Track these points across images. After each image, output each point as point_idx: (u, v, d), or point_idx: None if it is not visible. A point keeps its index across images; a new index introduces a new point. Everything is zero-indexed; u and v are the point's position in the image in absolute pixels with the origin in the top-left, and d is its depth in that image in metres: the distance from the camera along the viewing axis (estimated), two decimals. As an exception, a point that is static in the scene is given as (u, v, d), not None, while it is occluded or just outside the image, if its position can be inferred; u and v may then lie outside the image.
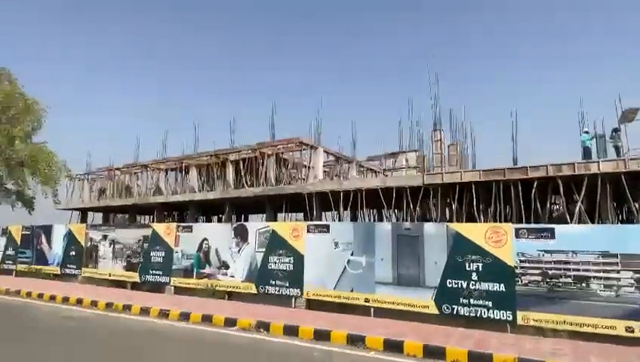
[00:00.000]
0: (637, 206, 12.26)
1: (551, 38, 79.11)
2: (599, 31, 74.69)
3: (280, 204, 18.50)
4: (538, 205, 12.61)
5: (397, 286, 8.64)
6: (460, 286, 7.95)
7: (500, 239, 7.79)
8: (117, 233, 13.93)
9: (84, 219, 26.83)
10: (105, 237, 14.13)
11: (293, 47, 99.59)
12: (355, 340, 6.86)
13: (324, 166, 19.90)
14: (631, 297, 6.72)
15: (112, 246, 13.81)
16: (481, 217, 13.53)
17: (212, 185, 21.05)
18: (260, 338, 7.35)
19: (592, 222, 12.29)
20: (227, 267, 11.15)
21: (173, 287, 11.98)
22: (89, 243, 14.51)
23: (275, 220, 18.83)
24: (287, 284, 10.00)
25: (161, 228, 12.97)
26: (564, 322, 7.02)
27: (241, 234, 11.12)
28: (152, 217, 25.82)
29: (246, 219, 26.14)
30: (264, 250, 10.56)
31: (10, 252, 17.17)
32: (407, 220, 15.78)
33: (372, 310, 8.80)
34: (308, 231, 10.07)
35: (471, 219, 13.57)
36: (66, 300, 10.81)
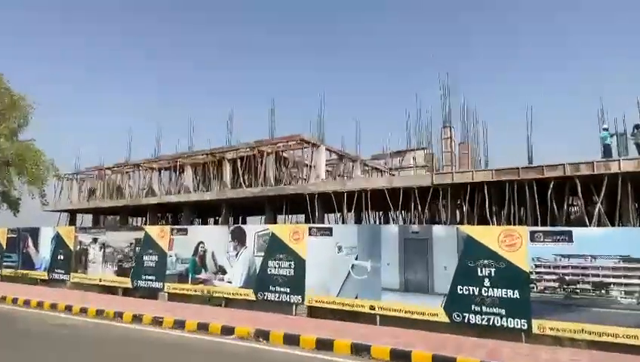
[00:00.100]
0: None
1: (551, 38, 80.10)
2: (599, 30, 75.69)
3: (280, 205, 18.49)
4: (555, 207, 12.55)
5: (404, 293, 8.63)
6: (471, 292, 7.93)
7: (514, 243, 7.76)
8: (108, 236, 13.97)
9: (72, 222, 26.91)
10: (95, 240, 14.18)
11: (293, 47, 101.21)
12: (359, 350, 6.85)
13: (326, 165, 19.87)
14: (654, 305, 6.69)
15: (102, 250, 13.85)
16: (494, 219, 13.47)
17: (208, 186, 21.08)
18: (258, 347, 7.35)
19: (613, 225, 12.24)
20: (224, 272, 11.17)
21: (167, 293, 12.00)
22: (78, 247, 14.57)
23: (275, 222, 18.83)
24: (288, 290, 10.01)
25: (154, 230, 13.00)
26: (583, 331, 6.99)
27: (239, 238, 11.13)
28: (144, 219, 25.89)
29: (244, 222, 26.18)
30: (263, 254, 10.57)
31: (-5, 256, 17.26)
32: (415, 223, 15.77)
33: (378, 318, 8.80)
34: (309, 234, 10.07)
35: (483, 221, 13.52)
36: (54, 307, 10.85)
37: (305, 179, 19.17)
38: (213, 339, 7.84)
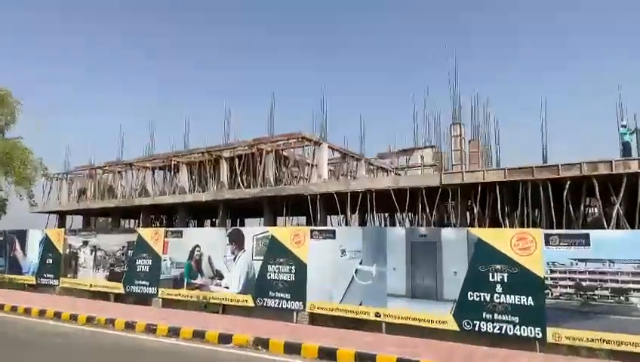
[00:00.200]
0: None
1: (551, 38, 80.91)
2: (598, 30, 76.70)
3: (280, 206, 18.50)
4: (570, 208, 12.52)
5: (411, 299, 8.62)
6: (482, 299, 7.92)
7: (527, 246, 7.75)
8: (99, 239, 14.02)
9: (62, 223, 26.97)
10: (85, 243, 14.23)
11: (293, 47, 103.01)
12: (364, 359, 6.85)
13: (329, 164, 19.89)
14: (676, 312, 6.67)
15: (93, 253, 13.90)
16: (506, 222, 13.45)
17: (204, 186, 21.10)
18: (257, 356, 7.36)
19: (632, 227, 12.19)
20: (221, 277, 11.19)
21: (161, 299, 12.03)
22: (68, 250, 14.62)
23: (275, 224, 18.86)
24: (288, 296, 10.02)
25: (147, 233, 13.03)
26: (601, 340, 6.97)
27: (237, 241, 11.15)
28: (137, 221, 25.94)
29: (242, 224, 26.22)
30: (262, 258, 10.59)
31: (-20, 259, 17.33)
32: (422, 225, 15.75)
33: (383, 325, 8.80)
34: (311, 237, 10.08)
35: (495, 223, 13.50)
36: (42, 314, 10.89)
37: (306, 179, 19.16)
38: (210, 348, 7.85)
